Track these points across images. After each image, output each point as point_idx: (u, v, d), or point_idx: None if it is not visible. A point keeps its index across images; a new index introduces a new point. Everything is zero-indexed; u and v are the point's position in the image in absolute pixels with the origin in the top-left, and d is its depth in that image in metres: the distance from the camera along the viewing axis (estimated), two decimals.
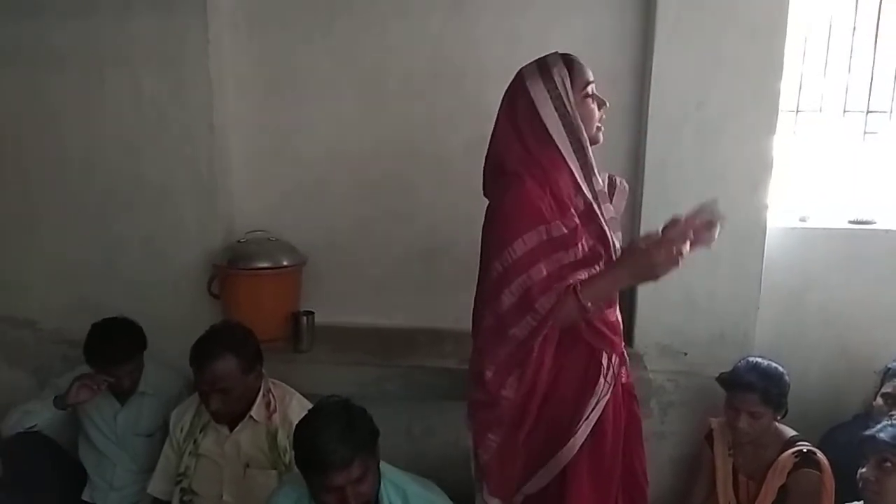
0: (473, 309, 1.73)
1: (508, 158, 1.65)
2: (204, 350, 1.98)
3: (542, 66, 1.65)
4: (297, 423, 1.72)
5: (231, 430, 2.06)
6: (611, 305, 1.72)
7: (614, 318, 1.74)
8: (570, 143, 1.62)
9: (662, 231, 1.52)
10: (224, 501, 2.06)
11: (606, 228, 1.67)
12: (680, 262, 1.48)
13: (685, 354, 2.52)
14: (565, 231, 1.58)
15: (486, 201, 1.70)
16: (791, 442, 2.26)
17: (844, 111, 2.65)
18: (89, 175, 2.65)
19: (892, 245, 2.54)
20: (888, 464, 1.83)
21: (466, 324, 1.78)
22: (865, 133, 2.65)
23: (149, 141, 2.59)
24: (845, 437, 2.27)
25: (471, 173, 1.78)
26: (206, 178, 2.59)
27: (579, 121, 1.62)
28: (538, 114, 1.62)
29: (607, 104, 1.71)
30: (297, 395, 2.13)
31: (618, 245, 1.69)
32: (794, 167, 2.65)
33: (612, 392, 1.68)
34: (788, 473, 2.20)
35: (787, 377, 2.26)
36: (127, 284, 2.66)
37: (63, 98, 2.62)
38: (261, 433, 2.04)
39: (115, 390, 2.34)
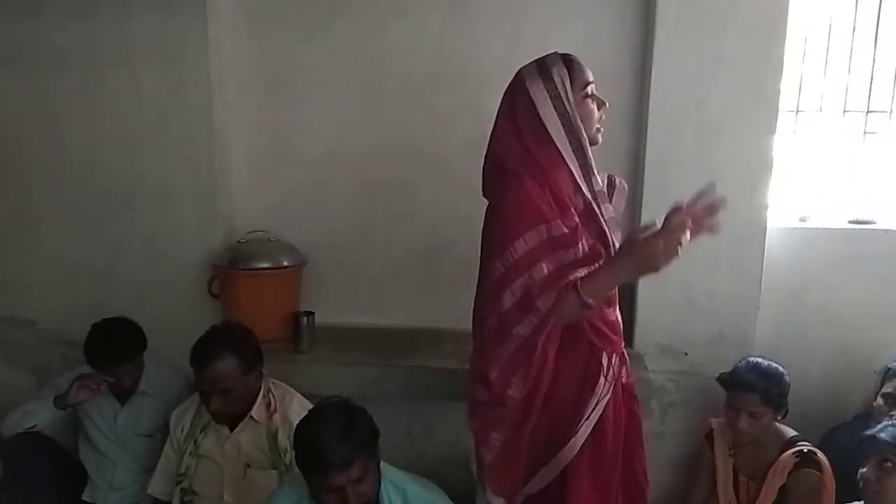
0: (474, 309, 1.73)
1: (508, 158, 1.65)
2: (204, 350, 1.98)
3: (542, 66, 1.65)
4: (297, 423, 1.72)
5: (231, 430, 2.06)
6: (610, 305, 1.72)
7: (614, 318, 1.74)
8: (570, 143, 1.62)
9: (664, 220, 1.48)
10: (224, 502, 2.06)
11: (606, 228, 1.67)
12: (680, 252, 1.45)
13: (685, 354, 2.52)
14: (566, 230, 1.57)
15: (486, 201, 1.70)
16: (791, 442, 2.25)
17: (844, 111, 2.65)
18: (89, 175, 2.65)
19: (892, 245, 2.54)
20: (889, 464, 1.83)
21: (466, 324, 1.77)
22: (865, 133, 2.65)
23: (149, 141, 2.59)
24: (846, 438, 2.27)
25: (471, 173, 1.78)
26: (206, 178, 2.59)
27: (579, 121, 1.62)
28: (538, 114, 1.61)
29: (607, 104, 1.71)
30: (298, 395, 2.13)
31: (618, 245, 1.68)
32: (794, 167, 2.64)
33: (612, 392, 1.69)
34: (789, 473, 2.20)
35: (787, 377, 2.26)
36: (127, 284, 2.66)
37: (63, 98, 2.62)
38: (261, 433, 2.04)
39: (115, 390, 2.34)
